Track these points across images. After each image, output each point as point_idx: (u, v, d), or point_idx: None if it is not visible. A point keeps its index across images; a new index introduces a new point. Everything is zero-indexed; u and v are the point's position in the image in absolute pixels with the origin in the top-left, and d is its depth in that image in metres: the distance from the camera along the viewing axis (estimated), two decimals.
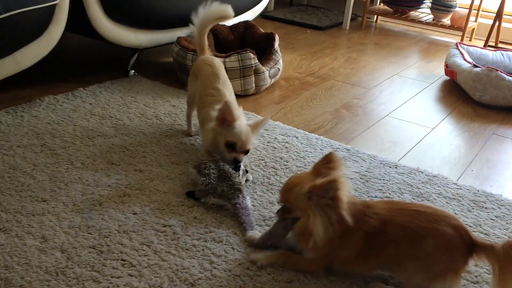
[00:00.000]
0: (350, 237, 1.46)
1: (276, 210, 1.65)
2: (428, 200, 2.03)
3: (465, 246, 1.43)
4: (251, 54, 2.90)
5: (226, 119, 1.93)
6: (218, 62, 2.33)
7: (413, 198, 2.03)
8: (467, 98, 3.21)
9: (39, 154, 2.13)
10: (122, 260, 1.57)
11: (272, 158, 2.27)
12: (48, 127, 2.36)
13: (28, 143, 2.20)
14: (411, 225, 1.44)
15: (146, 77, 3.13)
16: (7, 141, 2.20)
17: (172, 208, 1.85)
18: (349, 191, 1.47)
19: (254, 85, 3.00)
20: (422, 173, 2.24)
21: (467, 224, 1.88)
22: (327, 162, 1.52)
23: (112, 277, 1.50)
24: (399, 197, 2.03)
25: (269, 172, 2.15)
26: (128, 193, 1.92)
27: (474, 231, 1.84)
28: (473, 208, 2.00)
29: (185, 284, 1.50)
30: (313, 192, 1.42)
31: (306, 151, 2.37)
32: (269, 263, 1.60)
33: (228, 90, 2.20)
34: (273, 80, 3.18)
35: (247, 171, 2.07)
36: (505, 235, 1.84)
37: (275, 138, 2.47)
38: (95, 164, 2.09)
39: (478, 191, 2.12)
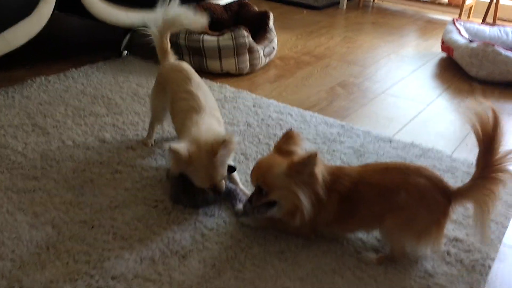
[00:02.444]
0: (327, 200, 1.47)
1: (248, 199, 1.55)
2: None
3: (440, 193, 1.44)
4: (244, 31, 2.87)
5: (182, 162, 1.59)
6: (187, 66, 2.02)
7: None
8: (464, 74, 3.19)
9: (30, 133, 2.12)
10: (114, 233, 1.57)
11: (266, 135, 2.26)
12: (39, 107, 2.34)
13: (19, 122, 2.19)
14: (382, 182, 1.47)
15: (138, 57, 3.11)
16: None
17: (164, 183, 1.84)
18: (322, 161, 1.52)
19: (248, 63, 2.97)
20: (416, 147, 2.23)
21: None
22: (288, 139, 1.54)
23: (103, 250, 1.49)
24: None
25: (262, 148, 2.13)
26: (119, 170, 1.91)
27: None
28: (466, 179, 1.94)
29: (177, 256, 1.50)
30: (292, 169, 1.43)
31: (300, 127, 2.35)
32: (259, 226, 1.63)
33: (202, 93, 1.88)
34: (267, 59, 3.16)
35: (234, 169, 1.84)
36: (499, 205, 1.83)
37: (269, 115, 2.46)
38: (86, 143, 2.08)
39: (472, 163, 2.09)
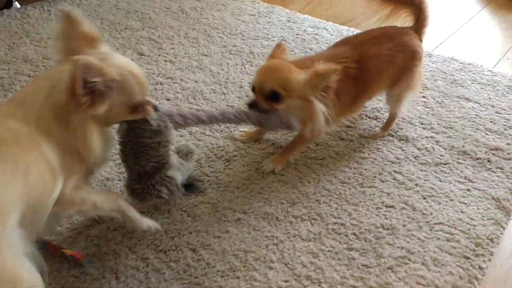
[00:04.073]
0: (341, 89, 1.41)
1: (251, 102, 1.37)
2: (462, 86, 1.99)
3: (420, 40, 1.63)
4: None
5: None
6: None
7: (447, 85, 2.00)
8: None
9: None
10: None
11: (302, 49, 2.23)
12: None
13: None
14: (380, 51, 1.51)
15: None
16: (37, 33, 2.21)
17: (204, 95, 1.87)
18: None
19: None
20: (456, 61, 2.18)
21: (501, 107, 1.86)
22: (282, 50, 1.46)
23: None
24: (432, 83, 2.00)
25: None
26: (160, 81, 1.93)
27: (508, 114, 1.82)
28: (507, 93, 1.96)
29: (221, 160, 1.55)
30: (314, 79, 1.33)
31: None
32: (283, 166, 1.53)
33: None
34: None
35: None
36: None
37: (304, 30, 2.41)
38: (125, 55, 2.09)
39: None
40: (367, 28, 2.50)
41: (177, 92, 1.87)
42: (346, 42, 1.59)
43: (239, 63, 2.09)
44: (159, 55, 2.11)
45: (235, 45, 2.23)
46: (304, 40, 2.32)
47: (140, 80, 1.09)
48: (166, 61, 2.08)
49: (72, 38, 1.03)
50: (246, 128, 1.67)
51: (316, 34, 2.38)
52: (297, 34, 2.37)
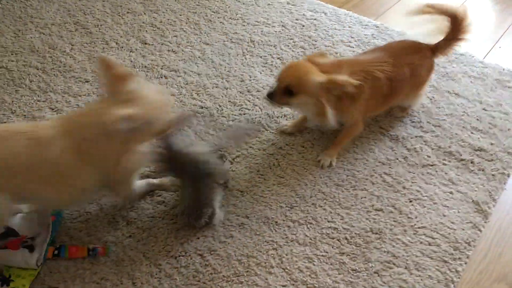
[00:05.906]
0: (375, 88, 1.63)
1: (269, 94, 1.59)
2: (453, 80, 2.08)
3: (433, 55, 1.79)
4: None
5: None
6: None
7: (439, 78, 2.08)
8: None
9: (74, 33, 2.18)
10: None
11: (301, 37, 2.29)
12: (78, 3, 2.37)
13: (62, 21, 2.24)
14: (405, 62, 1.69)
15: None
16: (41, 19, 2.25)
17: (207, 90, 1.95)
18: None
19: None
20: None
21: (488, 104, 1.96)
22: (320, 55, 1.65)
23: None
24: None
25: (298, 52, 2.19)
26: (164, 74, 2.01)
27: (494, 111, 1.93)
28: (496, 88, 2.05)
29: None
30: (330, 85, 1.51)
31: (335, 29, 2.37)
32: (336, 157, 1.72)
33: None
34: None
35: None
36: None
37: (303, 14, 2.46)
38: (129, 44, 2.15)
39: (503, 69, 2.15)
40: (366, 9, 2.56)
41: (181, 87, 1.95)
42: (382, 49, 1.79)
43: (240, 53, 2.16)
44: (162, 44, 2.17)
45: (236, 32, 2.28)
46: (303, 26, 2.37)
47: (164, 113, 1.32)
48: (169, 50, 2.14)
49: (107, 79, 1.26)
50: (289, 122, 1.82)
51: (314, 19, 2.42)
52: (296, 19, 2.41)
